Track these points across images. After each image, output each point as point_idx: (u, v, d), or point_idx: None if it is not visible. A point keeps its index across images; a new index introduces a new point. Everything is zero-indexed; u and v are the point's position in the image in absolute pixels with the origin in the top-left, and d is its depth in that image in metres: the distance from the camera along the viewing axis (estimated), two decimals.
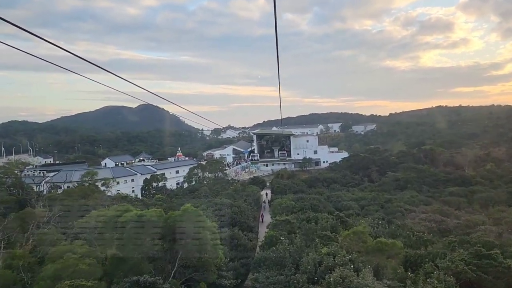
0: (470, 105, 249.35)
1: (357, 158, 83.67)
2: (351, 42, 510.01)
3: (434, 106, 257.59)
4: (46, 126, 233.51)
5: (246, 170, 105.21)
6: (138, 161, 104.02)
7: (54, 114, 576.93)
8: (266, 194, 55.38)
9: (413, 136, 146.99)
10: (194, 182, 64.96)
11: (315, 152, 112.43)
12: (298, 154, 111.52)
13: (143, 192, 56.54)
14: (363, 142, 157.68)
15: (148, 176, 64.62)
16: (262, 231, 35.02)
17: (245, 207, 36.03)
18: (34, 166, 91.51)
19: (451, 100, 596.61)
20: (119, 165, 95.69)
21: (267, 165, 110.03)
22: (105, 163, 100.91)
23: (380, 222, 29.63)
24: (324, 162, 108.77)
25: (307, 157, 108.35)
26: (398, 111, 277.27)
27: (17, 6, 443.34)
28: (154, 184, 56.24)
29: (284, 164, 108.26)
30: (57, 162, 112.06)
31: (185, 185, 70.43)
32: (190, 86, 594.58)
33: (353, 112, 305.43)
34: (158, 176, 57.65)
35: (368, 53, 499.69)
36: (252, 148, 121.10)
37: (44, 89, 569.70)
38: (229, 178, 74.08)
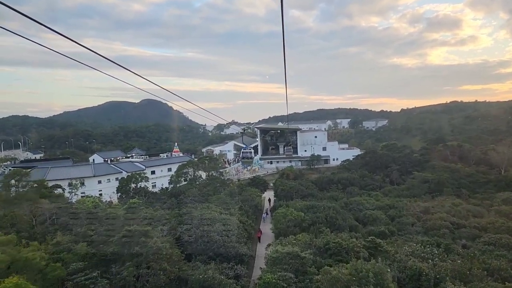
0: (487, 101, 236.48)
1: (373, 156, 73.35)
2: (357, 39, 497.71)
3: (448, 101, 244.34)
4: (45, 121, 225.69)
5: (248, 168, 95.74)
6: (128, 157, 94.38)
7: (59, 110, 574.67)
8: (269, 200, 45.45)
9: (429, 132, 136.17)
10: (184, 182, 55.12)
11: (324, 148, 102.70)
12: (305, 150, 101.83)
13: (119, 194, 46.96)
14: (375, 138, 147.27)
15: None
16: (260, 255, 25.33)
17: (237, 221, 26.20)
18: (13, 162, 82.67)
19: (459, 98, 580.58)
20: (108, 161, 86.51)
21: (271, 163, 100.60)
22: (93, 159, 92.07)
23: (436, 251, 19.63)
24: (334, 159, 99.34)
25: (316, 154, 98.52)
26: (409, 107, 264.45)
27: (22, 2, 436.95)
28: (133, 185, 46.62)
29: (290, 161, 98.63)
30: (41, 158, 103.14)
31: (178, 185, 61.06)
32: (195, 82, 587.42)
33: (362, 108, 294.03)
34: (137, 175, 47.94)
35: (375, 50, 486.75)
36: (256, 144, 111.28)
37: (51, 85, 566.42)
38: (227, 177, 64.40)
